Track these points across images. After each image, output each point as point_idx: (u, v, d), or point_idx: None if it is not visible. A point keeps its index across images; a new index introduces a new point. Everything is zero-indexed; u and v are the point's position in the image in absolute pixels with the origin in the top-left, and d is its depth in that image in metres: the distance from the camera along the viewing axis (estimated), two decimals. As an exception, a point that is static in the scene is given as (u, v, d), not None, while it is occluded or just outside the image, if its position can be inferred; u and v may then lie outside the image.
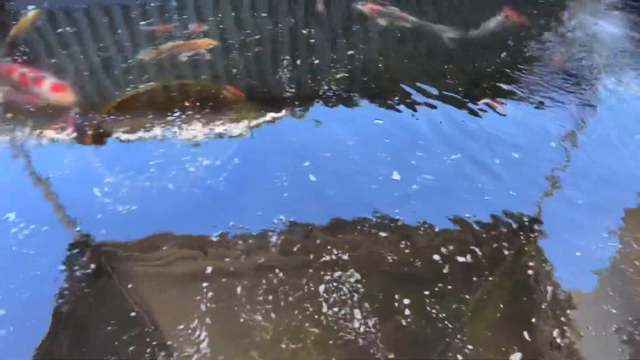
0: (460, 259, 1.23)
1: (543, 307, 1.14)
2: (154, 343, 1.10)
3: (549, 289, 1.17)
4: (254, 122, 1.58)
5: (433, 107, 1.60)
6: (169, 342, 1.10)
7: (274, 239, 1.28)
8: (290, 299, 1.17)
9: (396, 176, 1.39)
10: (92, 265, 1.24)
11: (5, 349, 1.09)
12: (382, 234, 1.28)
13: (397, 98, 1.63)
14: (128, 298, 1.18)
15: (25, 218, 1.35)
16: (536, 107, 1.59)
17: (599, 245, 1.24)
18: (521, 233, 1.27)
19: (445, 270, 1.21)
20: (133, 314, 1.15)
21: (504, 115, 1.57)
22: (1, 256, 1.26)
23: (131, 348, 1.09)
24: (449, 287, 1.18)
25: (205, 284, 1.19)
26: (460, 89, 1.66)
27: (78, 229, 1.32)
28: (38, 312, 1.17)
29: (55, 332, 1.13)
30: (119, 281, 1.21)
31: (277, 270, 1.22)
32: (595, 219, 1.29)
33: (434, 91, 1.65)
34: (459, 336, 1.10)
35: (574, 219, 1.30)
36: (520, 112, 1.58)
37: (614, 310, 1.14)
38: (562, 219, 1.30)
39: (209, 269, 1.22)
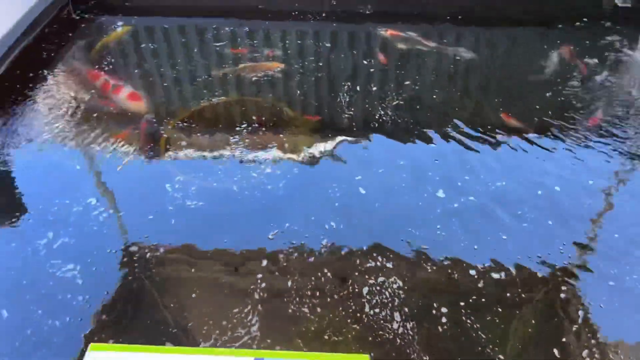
0: (495, 275, 1.31)
1: (574, 328, 1.21)
2: (211, 322, 1.22)
3: (581, 312, 1.23)
4: (313, 139, 1.72)
5: (481, 138, 1.70)
6: (223, 322, 1.22)
7: (323, 241, 1.40)
8: (336, 296, 1.28)
9: (441, 194, 1.50)
10: (161, 250, 1.39)
11: (81, 313, 1.23)
12: (424, 246, 1.37)
13: (448, 127, 1.74)
14: (189, 280, 1.32)
15: (104, 204, 1.52)
16: (585, 147, 1.66)
17: (632, 276, 1.30)
18: (556, 258, 1.34)
19: (480, 285, 1.29)
20: (193, 295, 1.28)
21: (552, 152, 1.65)
22: (84, 233, 1.43)
23: (190, 324, 1.22)
24: (483, 300, 1.26)
25: (260, 275, 1.32)
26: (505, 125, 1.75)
27: (151, 216, 1.48)
28: (108, 284, 1.31)
29: (119, 305, 1.27)
30: (185, 263, 1.35)
31: (325, 270, 1.33)
32: (629, 252, 1.36)
33: (483, 123, 1.76)
34: (491, 346, 1.18)
35: (609, 250, 1.36)
36: (567, 150, 1.66)
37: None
38: (599, 249, 1.37)
39: (264, 262, 1.34)
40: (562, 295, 1.27)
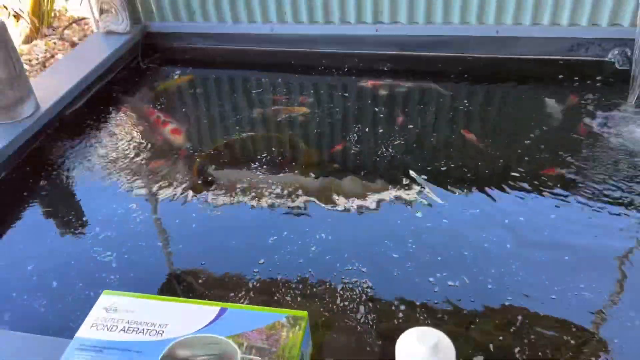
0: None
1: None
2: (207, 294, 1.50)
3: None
4: (319, 168, 2.02)
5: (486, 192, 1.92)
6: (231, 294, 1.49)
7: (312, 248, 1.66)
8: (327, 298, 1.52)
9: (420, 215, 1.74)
10: (180, 245, 1.71)
11: (111, 288, 1.54)
12: (442, 297, 1.48)
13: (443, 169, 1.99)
14: (202, 267, 1.61)
15: (143, 208, 1.87)
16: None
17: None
18: (579, 309, 1.43)
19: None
20: (203, 279, 1.57)
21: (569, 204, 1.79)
22: (124, 230, 1.78)
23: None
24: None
25: (256, 270, 1.59)
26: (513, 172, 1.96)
27: (177, 220, 1.81)
28: (135, 269, 1.63)
29: (141, 283, 1.58)
30: (200, 258, 1.66)
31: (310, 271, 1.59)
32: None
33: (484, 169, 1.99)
34: None
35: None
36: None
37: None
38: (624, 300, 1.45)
39: (262, 260, 1.62)
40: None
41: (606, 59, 2.54)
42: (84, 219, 1.86)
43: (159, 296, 1.26)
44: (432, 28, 2.64)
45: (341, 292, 1.51)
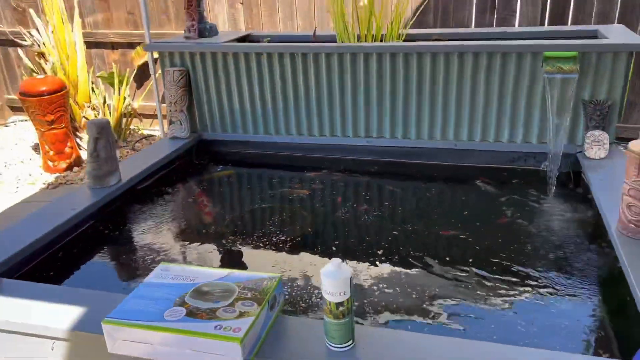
0: None
1: None
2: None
3: None
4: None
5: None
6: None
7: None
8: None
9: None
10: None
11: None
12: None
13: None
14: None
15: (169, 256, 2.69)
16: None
17: None
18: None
19: None
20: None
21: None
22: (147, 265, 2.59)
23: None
24: None
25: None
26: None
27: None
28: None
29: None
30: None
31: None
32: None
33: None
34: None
35: None
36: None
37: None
38: None
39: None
40: None
41: (540, 168, 3.35)
42: (139, 255, 2.69)
43: (193, 264, 2.04)
44: (408, 142, 3.56)
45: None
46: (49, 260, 2.53)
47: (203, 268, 2.01)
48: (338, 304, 1.62)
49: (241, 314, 1.71)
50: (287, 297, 2.19)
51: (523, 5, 4.46)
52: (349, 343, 1.69)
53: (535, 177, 3.27)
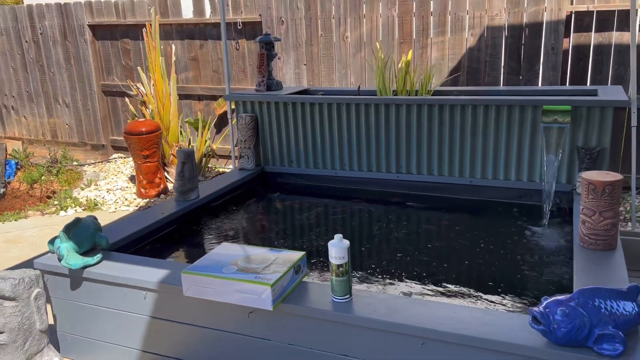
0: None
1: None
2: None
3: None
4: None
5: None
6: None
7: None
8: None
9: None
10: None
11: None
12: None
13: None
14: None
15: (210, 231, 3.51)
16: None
17: None
18: None
19: None
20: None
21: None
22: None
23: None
24: None
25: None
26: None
27: (262, 236, 3.42)
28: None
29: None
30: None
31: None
32: None
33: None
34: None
35: None
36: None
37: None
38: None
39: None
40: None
41: (540, 204, 3.93)
42: (207, 247, 3.54)
43: (245, 244, 2.85)
44: (431, 177, 4.27)
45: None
46: (146, 244, 3.44)
47: (250, 246, 2.82)
48: (339, 266, 2.36)
49: (274, 272, 2.48)
50: (309, 273, 2.92)
51: (545, 70, 5.14)
52: (347, 296, 2.41)
53: (537, 210, 3.86)
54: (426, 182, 4.29)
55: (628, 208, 4.62)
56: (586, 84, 5.06)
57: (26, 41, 7.67)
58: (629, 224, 4.29)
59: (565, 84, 5.14)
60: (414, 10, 5.44)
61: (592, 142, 3.76)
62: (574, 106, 3.73)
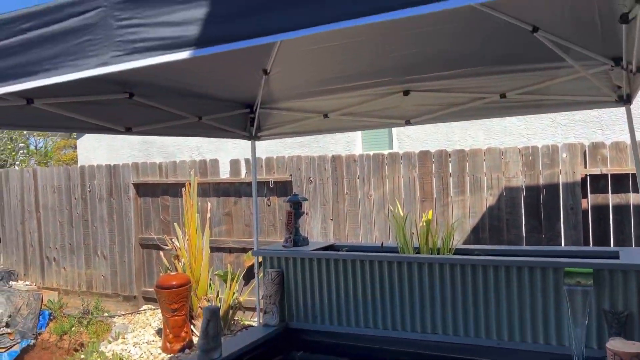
0: None
1: None
2: None
3: None
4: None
5: None
6: None
7: None
8: None
9: None
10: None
11: None
12: None
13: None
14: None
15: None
16: None
17: None
18: None
19: None
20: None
21: None
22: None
23: None
24: None
25: None
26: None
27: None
28: None
29: None
30: None
31: None
32: None
33: None
34: None
35: None
36: None
37: None
38: None
39: None
40: None
41: (575, 369, 3.76)
42: None
43: None
44: (457, 338, 4.18)
45: None
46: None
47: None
48: None
49: None
50: None
51: (566, 229, 5.23)
52: None
53: (569, 377, 3.69)
54: (452, 344, 4.20)
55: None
56: (609, 244, 5.10)
57: (75, 198, 8.30)
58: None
59: (589, 244, 5.18)
60: (434, 172, 5.78)
61: (619, 305, 3.70)
62: (596, 269, 3.75)
